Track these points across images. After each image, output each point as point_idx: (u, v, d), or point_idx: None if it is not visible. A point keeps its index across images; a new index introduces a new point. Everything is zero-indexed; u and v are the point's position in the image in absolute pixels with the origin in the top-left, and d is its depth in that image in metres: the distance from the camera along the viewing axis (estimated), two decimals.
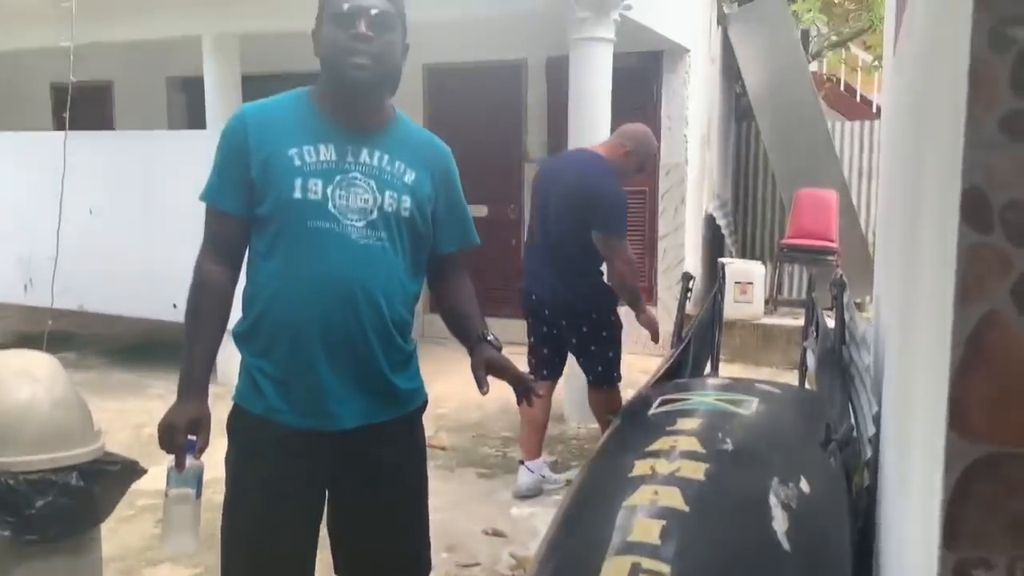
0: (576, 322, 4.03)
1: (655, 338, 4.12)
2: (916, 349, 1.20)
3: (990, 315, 0.72)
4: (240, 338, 1.87)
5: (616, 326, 4.09)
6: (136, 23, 6.02)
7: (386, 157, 1.85)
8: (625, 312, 4.08)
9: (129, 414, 4.96)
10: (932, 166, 1.06)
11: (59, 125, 3.64)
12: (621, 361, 4.13)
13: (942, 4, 1.10)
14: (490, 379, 1.94)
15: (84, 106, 6.91)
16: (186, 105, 8.02)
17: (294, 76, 5.23)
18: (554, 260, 4.01)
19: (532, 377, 2.01)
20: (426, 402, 2.04)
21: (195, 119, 6.98)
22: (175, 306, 5.27)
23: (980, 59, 0.71)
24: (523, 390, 1.98)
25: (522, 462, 4.15)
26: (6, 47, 6.09)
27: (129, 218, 5.95)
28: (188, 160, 4.53)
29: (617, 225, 3.92)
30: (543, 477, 4.15)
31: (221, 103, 5.83)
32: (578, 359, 4.15)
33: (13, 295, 6.37)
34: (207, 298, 1.85)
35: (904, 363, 1.46)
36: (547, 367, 4.19)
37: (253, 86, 6.10)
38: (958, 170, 0.72)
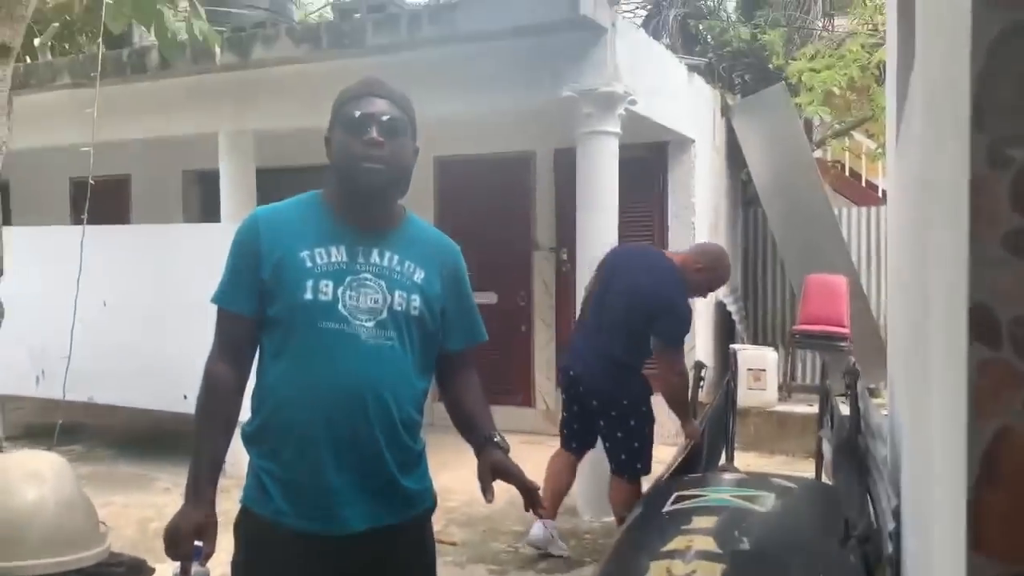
0: (607, 405, 4.07)
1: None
2: (931, 456, 1.19)
3: (1004, 431, 0.71)
4: (248, 439, 1.86)
5: (646, 419, 4.09)
6: (154, 121, 6.22)
7: (396, 257, 1.87)
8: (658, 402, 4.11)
9: (136, 508, 4.90)
10: (938, 278, 1.07)
11: (78, 219, 3.72)
12: (649, 456, 4.13)
13: (941, 118, 1.12)
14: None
15: (102, 199, 7.04)
16: (201, 197, 8.17)
17: (307, 169, 5.41)
18: (599, 344, 4.08)
19: (537, 486, 1.95)
20: (435, 503, 2.01)
21: (210, 211, 7.10)
22: (186, 397, 5.28)
23: (980, 177, 0.72)
24: (529, 498, 1.93)
25: (539, 516, 4.18)
26: (30, 145, 6.25)
27: (141, 310, 5.99)
28: (201, 252, 4.61)
29: (678, 339, 4.00)
30: (553, 537, 4.27)
31: (236, 196, 5.95)
32: (604, 443, 4.18)
33: (26, 387, 6.38)
34: (216, 403, 1.85)
35: (919, 468, 1.44)
36: (576, 440, 4.30)
37: (267, 179, 6.25)
38: (964, 286, 0.73)
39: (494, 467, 1.90)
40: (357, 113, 1.81)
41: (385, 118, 1.81)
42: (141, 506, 4.93)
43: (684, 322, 4.01)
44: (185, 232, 6.46)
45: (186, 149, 7.21)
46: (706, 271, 4.06)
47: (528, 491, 1.92)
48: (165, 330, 5.77)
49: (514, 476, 1.90)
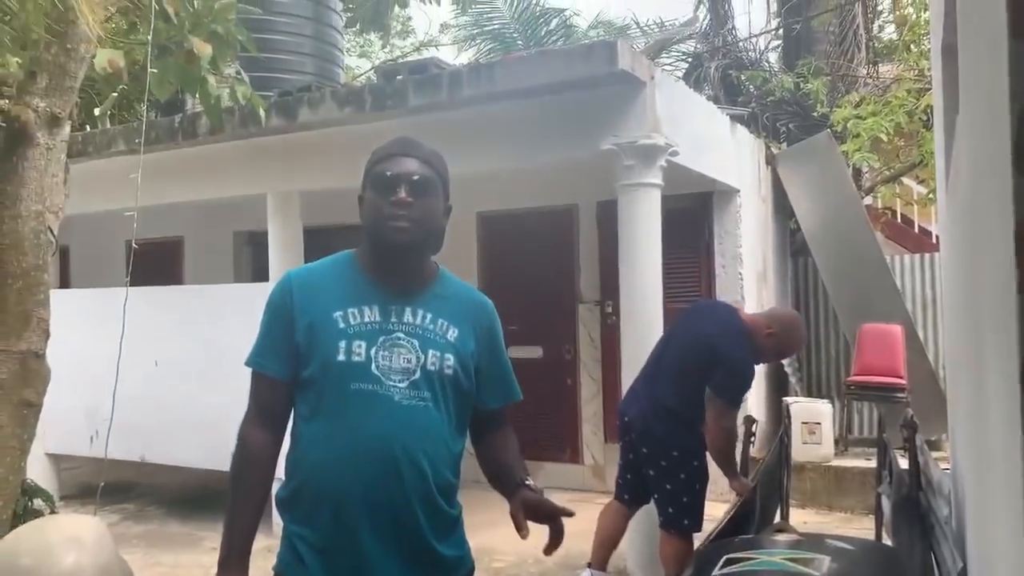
0: (656, 454, 3.99)
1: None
2: (996, 515, 1.11)
3: None
4: (282, 504, 1.84)
5: (697, 473, 3.99)
6: (205, 184, 6.38)
7: (428, 315, 1.85)
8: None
9: (184, 569, 4.90)
10: (992, 328, 1.01)
11: (133, 281, 3.84)
12: (700, 512, 4.02)
13: (984, 160, 1.08)
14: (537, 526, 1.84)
15: (157, 261, 7.23)
16: (252, 257, 8.33)
17: (354, 228, 5.47)
18: (655, 390, 4.03)
19: (565, 514, 1.86)
20: (473, 568, 1.95)
21: (260, 270, 7.23)
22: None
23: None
24: (555, 531, 1.85)
25: (589, 564, 4.18)
26: (88, 210, 6.46)
27: (191, 368, 6.08)
28: (248, 311, 4.64)
29: (732, 394, 3.89)
30: None
31: (284, 255, 6.05)
32: (653, 494, 4.09)
33: (80, 447, 6.48)
34: (250, 468, 1.84)
35: (985, 528, 1.35)
36: (628, 491, 4.22)
37: (315, 238, 6.34)
38: (1015, 343, 0.68)
39: (525, 504, 1.84)
40: (387, 173, 1.82)
41: (415, 177, 1.81)
42: (189, 566, 4.93)
43: (743, 380, 3.91)
44: (233, 292, 6.56)
45: (237, 211, 7.38)
46: (776, 336, 3.96)
47: (554, 520, 1.84)
48: (214, 388, 5.83)
49: (545, 511, 1.83)
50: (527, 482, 1.89)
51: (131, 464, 6.17)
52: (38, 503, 3.61)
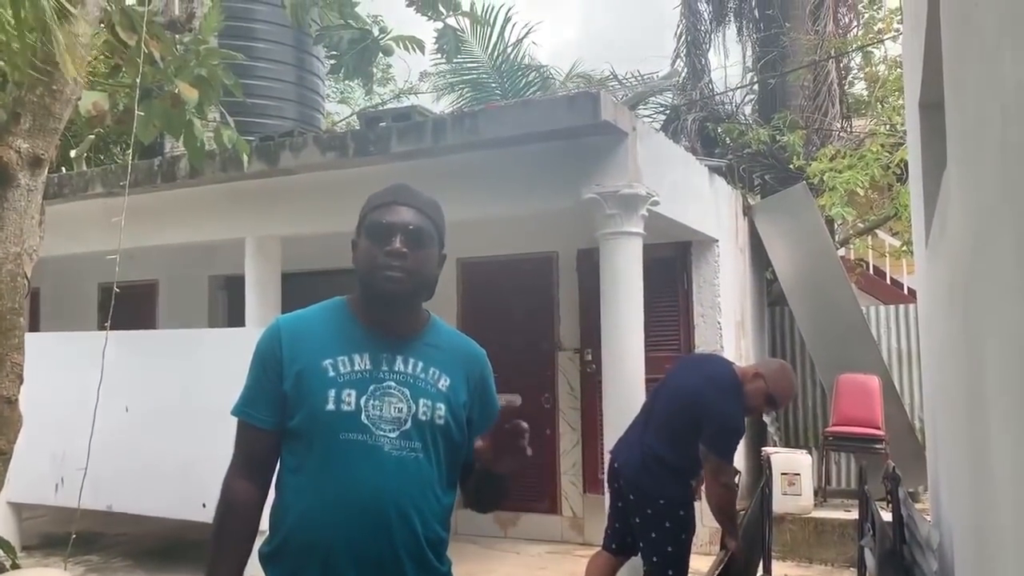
0: (642, 502, 3.97)
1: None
2: (1004, 564, 1.09)
3: None
4: (266, 559, 1.78)
5: (683, 524, 3.97)
6: (183, 228, 6.32)
7: (420, 364, 1.82)
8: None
9: None
10: (1000, 386, 1.00)
11: (104, 324, 3.76)
12: (685, 563, 3.99)
13: (981, 216, 1.08)
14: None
15: (130, 305, 7.11)
16: (227, 302, 8.24)
17: (333, 272, 5.44)
18: (644, 439, 4.03)
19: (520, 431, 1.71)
20: None
21: (236, 315, 7.15)
22: (204, 505, 5.17)
23: None
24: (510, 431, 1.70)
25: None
26: (61, 252, 6.37)
27: (163, 415, 5.94)
28: (224, 358, 4.58)
29: (723, 447, 3.88)
30: None
31: (261, 301, 5.98)
32: (639, 542, 4.06)
33: (45, 495, 6.29)
34: (234, 520, 1.78)
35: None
36: (616, 540, 4.19)
37: (293, 283, 6.29)
38: None
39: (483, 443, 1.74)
40: (382, 221, 1.80)
41: (410, 228, 1.79)
42: None
43: (732, 433, 3.90)
44: (208, 337, 6.47)
45: (212, 254, 7.31)
46: (765, 387, 3.94)
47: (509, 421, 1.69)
48: (186, 436, 5.71)
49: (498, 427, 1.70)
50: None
51: (97, 513, 5.99)
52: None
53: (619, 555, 4.20)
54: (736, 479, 4.21)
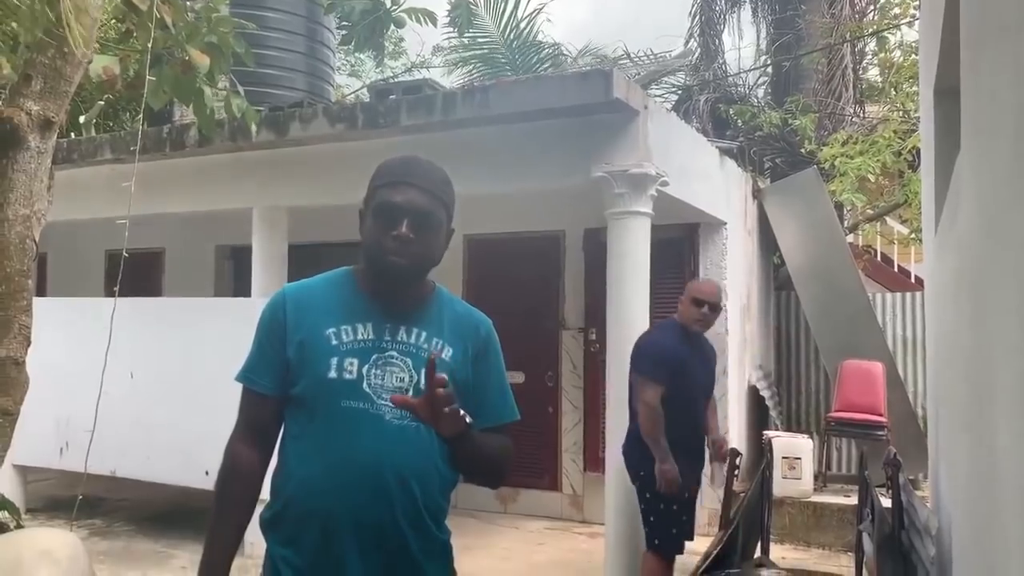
0: (631, 477, 4.26)
1: (670, 490, 4.02)
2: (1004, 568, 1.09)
3: None
4: (266, 525, 1.79)
5: (660, 495, 4.08)
6: (191, 196, 6.32)
7: (423, 334, 1.82)
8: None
9: None
10: (1003, 356, 0.99)
11: (111, 291, 3.75)
12: (666, 534, 4.12)
13: (994, 203, 1.07)
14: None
15: (136, 272, 7.12)
16: (233, 271, 8.25)
17: (340, 245, 5.43)
18: (629, 419, 4.34)
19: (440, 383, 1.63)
20: None
21: (242, 285, 7.15)
22: (207, 473, 5.20)
23: None
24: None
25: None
26: (69, 217, 6.38)
27: (168, 383, 5.98)
28: (229, 327, 4.59)
29: (640, 365, 4.18)
30: None
31: (268, 271, 5.98)
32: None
33: (50, 459, 6.34)
34: (236, 484, 1.79)
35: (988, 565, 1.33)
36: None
37: (300, 254, 6.29)
38: None
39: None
40: (391, 202, 1.77)
41: (419, 213, 1.77)
42: None
43: (645, 347, 4.23)
44: (214, 306, 6.48)
45: (220, 224, 7.31)
46: (687, 295, 4.32)
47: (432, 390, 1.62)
48: (190, 404, 5.74)
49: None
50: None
51: (101, 478, 6.04)
52: (4, 516, 3.50)
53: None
54: (737, 460, 4.27)
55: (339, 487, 1.71)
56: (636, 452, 4.16)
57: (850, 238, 8.67)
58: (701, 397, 4.30)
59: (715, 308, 4.28)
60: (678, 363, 4.12)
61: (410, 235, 1.76)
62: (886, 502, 3.40)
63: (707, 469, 4.70)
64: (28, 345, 3.06)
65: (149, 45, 2.83)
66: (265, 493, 1.84)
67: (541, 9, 11.51)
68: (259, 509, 1.83)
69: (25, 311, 3.01)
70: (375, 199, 1.81)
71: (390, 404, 1.74)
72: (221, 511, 1.78)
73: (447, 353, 1.83)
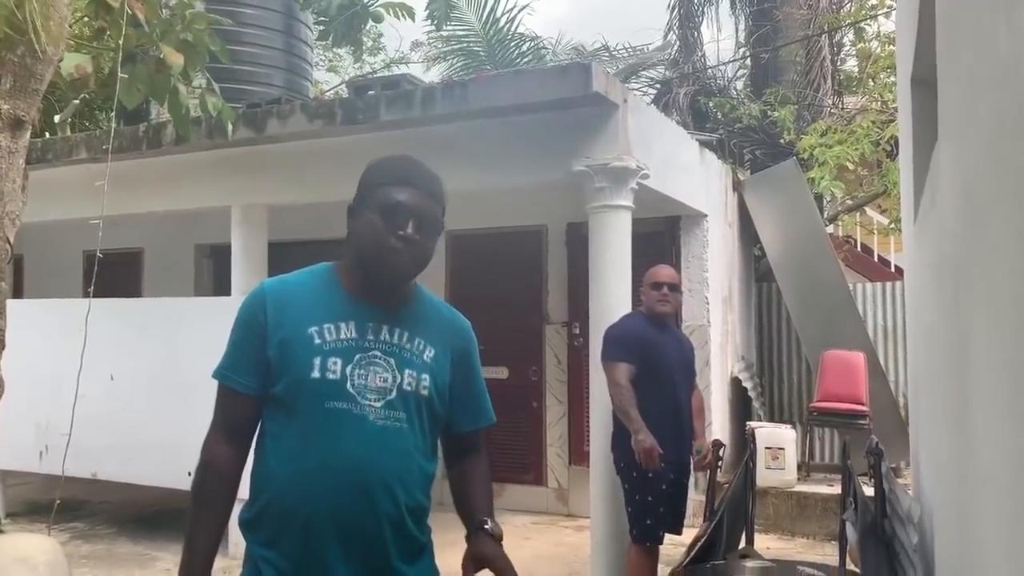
0: (615, 468, 4.28)
1: (649, 461, 3.97)
2: (980, 554, 1.09)
3: None
4: (246, 525, 1.77)
5: (636, 486, 4.12)
6: (169, 195, 6.26)
7: (406, 334, 1.81)
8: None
9: None
10: (984, 361, 0.99)
11: (88, 290, 3.71)
12: (644, 523, 4.13)
13: (972, 190, 1.07)
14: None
15: (115, 272, 7.05)
16: (213, 271, 8.19)
17: (320, 243, 5.40)
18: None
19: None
20: None
21: (221, 284, 7.09)
22: (189, 474, 5.15)
23: None
24: None
25: None
26: (45, 218, 6.31)
27: (148, 384, 5.93)
28: (209, 326, 4.55)
29: (605, 351, 4.27)
30: None
31: (247, 270, 5.94)
32: None
33: (30, 463, 6.27)
34: (214, 484, 1.77)
35: (962, 561, 1.33)
36: None
37: (279, 252, 6.24)
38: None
39: (476, 556, 1.81)
40: (399, 201, 1.75)
41: (425, 213, 1.77)
42: None
43: (610, 332, 4.30)
44: (193, 305, 6.43)
45: (198, 223, 7.25)
46: (644, 283, 4.35)
47: None
48: (171, 404, 5.69)
49: (495, 569, 1.80)
50: (487, 526, 1.85)
51: (81, 481, 5.98)
52: None
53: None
54: (721, 451, 4.29)
55: (321, 489, 1.69)
56: (616, 444, 4.21)
57: (830, 229, 8.72)
58: (682, 384, 4.25)
59: (674, 288, 4.33)
60: (644, 343, 4.16)
61: (416, 235, 1.75)
62: (869, 491, 3.42)
63: (692, 479, 4.69)
64: (2, 349, 3.02)
65: (120, 43, 2.79)
66: (243, 492, 1.82)
67: (524, 8, 11.48)
68: (237, 508, 1.82)
69: None
70: (377, 197, 1.78)
71: (374, 404, 1.72)
72: (199, 511, 1.76)
73: (429, 354, 1.82)
